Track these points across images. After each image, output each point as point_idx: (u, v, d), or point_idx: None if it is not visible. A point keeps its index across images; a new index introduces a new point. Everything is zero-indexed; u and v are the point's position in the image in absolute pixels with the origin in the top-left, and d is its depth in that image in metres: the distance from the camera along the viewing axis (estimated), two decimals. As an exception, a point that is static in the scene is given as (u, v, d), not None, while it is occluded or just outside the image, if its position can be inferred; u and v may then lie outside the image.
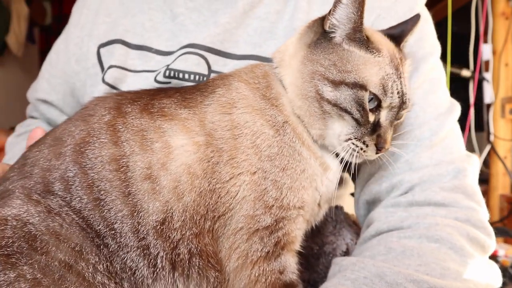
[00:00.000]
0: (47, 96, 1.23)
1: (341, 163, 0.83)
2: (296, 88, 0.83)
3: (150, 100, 0.83)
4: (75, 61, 1.18)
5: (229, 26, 1.03)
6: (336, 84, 0.78)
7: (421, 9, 0.98)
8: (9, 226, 0.68)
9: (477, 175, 0.90)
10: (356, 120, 0.78)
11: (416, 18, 0.87)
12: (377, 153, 0.80)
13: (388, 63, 0.79)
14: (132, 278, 0.75)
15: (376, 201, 0.93)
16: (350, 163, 0.84)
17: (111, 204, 0.74)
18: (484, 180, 2.48)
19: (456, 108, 0.95)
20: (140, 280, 0.75)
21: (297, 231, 0.81)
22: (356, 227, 1.12)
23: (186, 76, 1.01)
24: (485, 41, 2.53)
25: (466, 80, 2.54)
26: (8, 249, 0.66)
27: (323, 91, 0.79)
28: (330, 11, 0.80)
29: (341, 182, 0.91)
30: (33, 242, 0.68)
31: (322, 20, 0.83)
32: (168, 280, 0.76)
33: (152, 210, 0.75)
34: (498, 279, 0.81)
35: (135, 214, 0.74)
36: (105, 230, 0.74)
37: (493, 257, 1.86)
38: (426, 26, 0.99)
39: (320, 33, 0.83)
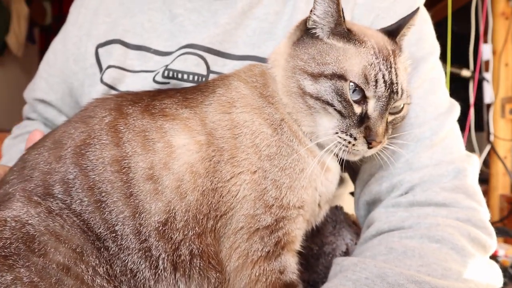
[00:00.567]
0: (45, 96, 1.23)
1: (338, 161, 0.83)
2: (282, 85, 0.83)
3: (151, 101, 0.83)
4: (73, 60, 1.18)
5: (229, 27, 1.03)
6: (315, 76, 0.78)
7: (420, 9, 0.98)
8: (7, 227, 0.68)
9: (477, 175, 0.90)
10: (339, 112, 0.77)
11: (413, 12, 0.86)
12: (369, 147, 0.78)
13: (373, 53, 0.79)
14: (132, 281, 0.74)
15: (377, 201, 0.93)
16: (350, 164, 0.83)
17: (112, 206, 0.74)
18: (484, 180, 2.48)
19: (456, 108, 0.95)
20: (142, 282, 0.75)
21: (297, 231, 0.81)
22: (356, 227, 1.12)
23: (185, 76, 1.01)
24: (485, 41, 2.53)
25: (466, 80, 2.54)
26: (6, 251, 0.66)
27: (304, 85, 0.79)
28: (311, 9, 0.82)
29: (340, 181, 0.91)
30: (31, 244, 0.67)
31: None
32: (170, 281, 0.76)
33: (155, 211, 0.74)
34: (499, 279, 0.81)
35: (137, 215, 0.74)
36: (105, 233, 0.73)
37: (493, 257, 1.86)
38: (425, 26, 0.99)
39: (304, 31, 0.84)
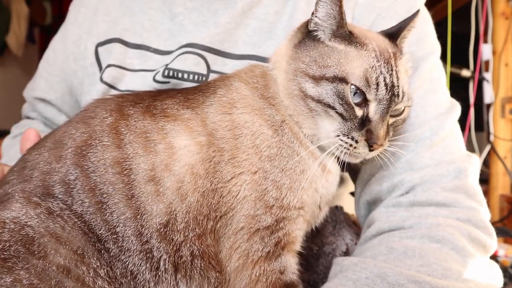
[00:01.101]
0: (45, 95, 1.23)
1: (338, 163, 0.83)
2: (284, 88, 0.83)
3: (152, 101, 0.83)
4: (73, 59, 1.18)
5: (229, 26, 1.03)
6: (317, 79, 0.78)
7: (420, 9, 0.98)
8: (6, 229, 0.68)
9: (478, 175, 0.90)
10: (341, 115, 0.77)
11: (414, 14, 0.86)
12: (370, 150, 0.78)
13: (374, 56, 0.79)
14: (132, 283, 0.74)
15: (377, 201, 0.93)
16: (350, 164, 0.83)
17: (113, 207, 0.74)
18: (484, 180, 2.48)
19: (456, 108, 0.95)
20: (142, 283, 0.74)
21: (297, 231, 0.81)
22: (356, 227, 1.12)
23: (185, 76, 1.01)
24: (485, 41, 2.53)
25: (466, 80, 2.54)
26: (5, 253, 0.65)
27: (305, 88, 0.79)
28: (313, 11, 0.82)
29: (340, 181, 0.91)
30: (30, 246, 0.67)
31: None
32: (171, 282, 0.76)
33: (156, 212, 0.74)
34: (499, 279, 0.81)
35: (138, 216, 0.74)
36: (106, 234, 0.73)
37: (493, 257, 1.86)
38: (426, 26, 0.99)
39: (306, 33, 0.84)
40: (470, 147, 2.50)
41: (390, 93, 0.78)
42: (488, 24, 2.51)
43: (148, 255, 0.74)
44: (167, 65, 1.02)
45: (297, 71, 0.81)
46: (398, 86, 0.79)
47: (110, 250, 0.73)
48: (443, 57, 1.00)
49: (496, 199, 2.47)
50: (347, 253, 1.04)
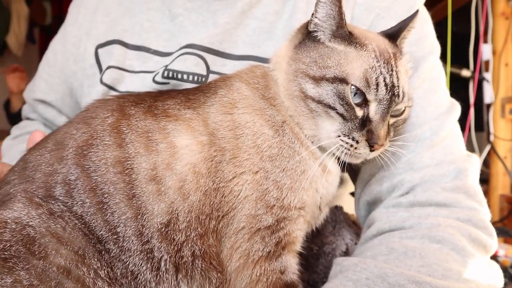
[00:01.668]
0: (46, 97, 1.23)
1: (338, 163, 0.83)
2: (284, 88, 0.83)
3: (153, 101, 0.83)
4: (73, 61, 1.18)
5: (228, 26, 1.03)
6: (317, 80, 0.78)
7: (420, 9, 0.98)
8: (8, 229, 0.68)
9: (478, 175, 0.90)
10: (341, 115, 0.77)
11: (413, 14, 0.87)
12: (371, 150, 0.78)
13: (374, 56, 0.79)
14: (133, 283, 0.74)
15: (377, 201, 0.93)
16: (351, 164, 0.83)
17: (114, 207, 0.74)
18: (484, 180, 2.48)
19: (456, 108, 0.95)
20: (143, 284, 0.74)
21: (298, 231, 0.81)
22: (355, 227, 1.12)
23: (185, 76, 1.01)
24: (485, 41, 2.53)
25: (466, 80, 2.54)
26: (6, 253, 0.65)
27: (306, 89, 0.79)
28: (313, 12, 0.82)
29: (340, 181, 0.91)
30: (31, 246, 0.67)
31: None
32: (172, 282, 0.76)
33: (157, 212, 0.74)
34: (500, 279, 0.81)
35: (139, 216, 0.74)
36: (107, 235, 0.73)
37: (493, 257, 1.86)
38: (426, 26, 0.99)
39: (306, 34, 0.84)
40: (470, 147, 2.50)
41: (390, 93, 0.78)
42: (488, 24, 2.51)
43: (149, 255, 0.74)
44: (166, 66, 1.02)
45: (298, 72, 0.81)
46: (398, 86, 0.79)
47: (111, 250, 0.73)
48: (443, 57, 1.00)
49: (496, 199, 2.47)
50: (347, 253, 1.04)
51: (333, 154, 0.81)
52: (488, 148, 2.51)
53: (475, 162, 0.90)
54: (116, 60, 1.09)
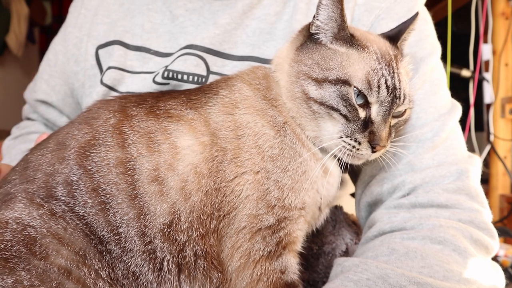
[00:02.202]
0: (47, 97, 1.23)
1: (339, 164, 0.83)
2: (286, 90, 0.84)
3: (155, 102, 0.84)
4: (74, 61, 1.18)
5: (229, 27, 1.03)
6: (320, 82, 0.79)
7: (420, 9, 0.98)
8: (9, 229, 0.68)
9: (480, 176, 0.90)
10: (345, 116, 0.78)
11: (413, 16, 0.87)
12: (373, 151, 0.79)
13: (376, 58, 0.79)
14: (134, 284, 0.74)
15: (378, 202, 0.93)
16: (351, 165, 0.83)
17: (117, 208, 0.74)
18: (484, 180, 2.48)
19: (457, 108, 0.95)
20: (144, 285, 0.75)
21: (298, 231, 0.81)
22: (355, 226, 1.13)
23: (185, 77, 1.01)
24: (485, 41, 2.53)
25: (466, 80, 2.54)
26: (7, 253, 0.66)
27: (308, 90, 0.79)
28: (314, 14, 0.82)
29: (341, 182, 0.91)
30: (32, 246, 0.67)
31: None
32: (174, 282, 0.76)
33: (160, 212, 0.75)
34: (502, 280, 0.81)
35: (142, 217, 0.74)
36: (109, 236, 0.73)
37: (493, 257, 1.86)
38: (426, 27, 0.99)
39: (308, 36, 0.84)
40: (470, 147, 2.49)
41: (391, 95, 0.78)
42: (488, 24, 2.51)
43: (151, 256, 0.74)
44: (166, 66, 1.02)
45: (300, 73, 0.81)
46: (399, 88, 0.79)
47: (112, 251, 0.73)
48: (443, 57, 1.00)
49: (496, 199, 2.47)
50: (347, 252, 1.04)
51: (335, 156, 0.81)
52: (488, 148, 2.51)
53: (477, 163, 0.90)
54: (117, 60, 1.09)
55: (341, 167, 0.84)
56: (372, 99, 0.78)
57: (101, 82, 1.09)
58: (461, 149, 0.92)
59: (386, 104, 0.78)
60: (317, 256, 1.04)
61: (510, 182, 2.48)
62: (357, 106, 0.77)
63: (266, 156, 0.79)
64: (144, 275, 0.74)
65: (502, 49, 2.46)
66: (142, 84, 1.05)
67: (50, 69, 1.23)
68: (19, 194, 0.74)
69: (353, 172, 1.01)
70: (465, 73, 2.51)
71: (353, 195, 1.07)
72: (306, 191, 0.80)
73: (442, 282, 0.72)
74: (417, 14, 0.87)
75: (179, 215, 0.75)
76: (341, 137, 0.78)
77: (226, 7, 1.05)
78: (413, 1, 0.99)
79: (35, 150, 0.82)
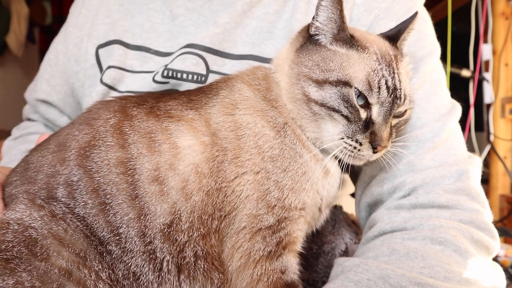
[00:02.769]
0: (48, 97, 1.23)
1: (340, 165, 0.83)
2: (287, 92, 0.84)
3: (155, 102, 0.84)
4: (74, 61, 1.18)
5: (228, 26, 1.03)
6: (320, 83, 0.79)
7: (420, 9, 0.98)
8: (10, 230, 0.68)
9: (480, 177, 0.90)
10: (346, 117, 0.78)
11: (412, 16, 0.87)
12: (374, 152, 0.79)
13: (376, 59, 0.79)
14: (134, 284, 0.74)
15: (378, 203, 0.93)
16: (351, 166, 0.84)
17: (117, 208, 0.74)
18: (484, 180, 2.47)
19: (457, 109, 0.95)
20: (145, 285, 0.75)
21: (298, 231, 0.81)
22: (355, 226, 1.13)
23: (184, 76, 1.01)
24: (485, 41, 2.52)
25: (466, 80, 2.54)
26: (8, 254, 0.66)
27: (309, 92, 0.79)
28: (314, 16, 0.82)
29: (340, 183, 0.91)
30: (33, 247, 0.67)
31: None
32: (174, 283, 0.76)
33: (160, 212, 0.75)
34: (503, 281, 0.81)
35: (142, 217, 0.74)
36: (109, 236, 0.73)
37: (493, 257, 1.86)
38: (425, 26, 0.99)
39: (307, 37, 0.84)
40: (470, 147, 2.48)
41: (392, 95, 0.78)
42: (488, 24, 2.51)
43: (151, 256, 0.75)
44: (166, 65, 1.03)
45: (300, 75, 0.81)
46: (400, 88, 0.80)
47: (112, 252, 0.73)
48: (443, 57, 1.00)
49: (496, 199, 2.47)
50: (346, 252, 1.04)
51: (336, 157, 0.81)
52: (488, 148, 2.50)
53: (477, 163, 0.90)
54: (117, 60, 1.09)
55: (341, 168, 0.84)
56: (372, 100, 0.78)
57: (101, 82, 1.09)
58: (461, 150, 0.92)
59: (386, 104, 0.78)
60: (316, 255, 1.04)
61: (510, 182, 2.48)
62: (358, 107, 0.77)
63: (266, 156, 0.79)
64: (144, 275, 0.75)
65: (502, 49, 2.46)
66: (142, 84, 1.05)
67: (51, 68, 1.23)
68: (20, 195, 0.74)
69: (353, 172, 1.01)
70: (465, 73, 2.50)
71: (353, 195, 1.07)
72: (306, 191, 0.80)
73: (442, 282, 0.72)
74: (416, 13, 0.87)
75: (179, 215, 0.75)
76: (342, 138, 0.78)
77: (226, 7, 1.05)
78: (413, 1, 0.98)
79: (35, 151, 0.82)
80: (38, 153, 0.80)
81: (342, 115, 0.78)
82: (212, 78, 0.99)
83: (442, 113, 0.92)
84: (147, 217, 0.74)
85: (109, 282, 0.72)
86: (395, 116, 0.82)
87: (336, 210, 1.13)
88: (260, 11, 1.03)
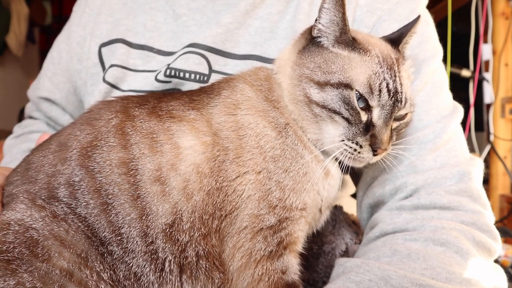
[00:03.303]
0: (50, 95, 1.23)
1: (340, 166, 0.83)
2: (288, 93, 0.84)
3: (157, 103, 0.84)
4: (77, 60, 1.18)
5: (231, 26, 1.03)
6: (322, 85, 0.79)
7: (422, 11, 0.98)
8: (11, 231, 0.68)
9: (482, 178, 0.90)
10: (346, 120, 0.78)
11: (415, 19, 0.87)
12: (374, 155, 0.79)
13: (378, 62, 0.79)
14: (135, 285, 0.74)
15: (380, 204, 0.93)
16: (353, 167, 0.84)
17: (119, 208, 0.74)
18: (484, 180, 2.46)
19: (459, 110, 0.95)
20: (146, 286, 0.75)
21: (299, 232, 0.81)
22: (355, 226, 1.13)
23: (187, 75, 1.01)
24: (485, 41, 2.53)
25: (466, 80, 2.54)
26: (9, 255, 0.66)
27: (310, 94, 0.79)
28: (316, 18, 0.82)
29: (341, 184, 0.91)
30: (34, 248, 0.67)
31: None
32: (175, 283, 0.76)
33: (162, 212, 0.75)
34: (504, 282, 0.80)
35: (144, 217, 0.74)
36: (110, 236, 0.73)
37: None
38: (428, 29, 0.99)
39: (309, 39, 0.84)
40: (470, 147, 2.48)
41: (393, 99, 0.79)
42: (488, 24, 2.51)
43: (153, 256, 0.75)
44: (169, 64, 1.03)
45: (302, 77, 0.81)
46: (401, 92, 0.80)
47: (114, 252, 0.73)
48: (443, 57, 1.00)
49: (496, 199, 2.47)
50: (346, 252, 1.04)
51: (336, 158, 0.81)
52: (488, 148, 2.51)
53: (479, 165, 0.90)
54: (119, 58, 1.09)
55: (342, 169, 0.85)
56: (373, 102, 0.78)
57: (104, 80, 1.09)
58: (463, 151, 0.92)
59: (387, 107, 0.79)
60: (317, 255, 1.04)
61: (510, 182, 2.48)
62: (359, 110, 0.77)
63: (268, 156, 0.79)
64: (145, 275, 0.75)
65: (502, 49, 2.46)
66: (144, 82, 1.05)
67: (54, 67, 1.24)
68: (20, 195, 0.74)
69: (355, 173, 1.01)
70: (465, 73, 2.51)
71: (353, 196, 1.07)
72: (307, 192, 0.80)
73: (444, 284, 0.72)
74: (419, 17, 0.87)
75: (181, 215, 0.75)
76: (343, 140, 0.79)
77: (229, 7, 1.05)
78: (416, 2, 0.98)
79: (36, 151, 0.82)
80: (39, 153, 0.80)
81: (343, 117, 0.78)
82: (214, 77, 0.99)
83: (444, 114, 0.92)
84: (149, 217, 0.75)
85: (110, 282, 0.72)
86: (396, 119, 0.82)
87: (337, 210, 1.13)
88: (263, 11, 1.03)
